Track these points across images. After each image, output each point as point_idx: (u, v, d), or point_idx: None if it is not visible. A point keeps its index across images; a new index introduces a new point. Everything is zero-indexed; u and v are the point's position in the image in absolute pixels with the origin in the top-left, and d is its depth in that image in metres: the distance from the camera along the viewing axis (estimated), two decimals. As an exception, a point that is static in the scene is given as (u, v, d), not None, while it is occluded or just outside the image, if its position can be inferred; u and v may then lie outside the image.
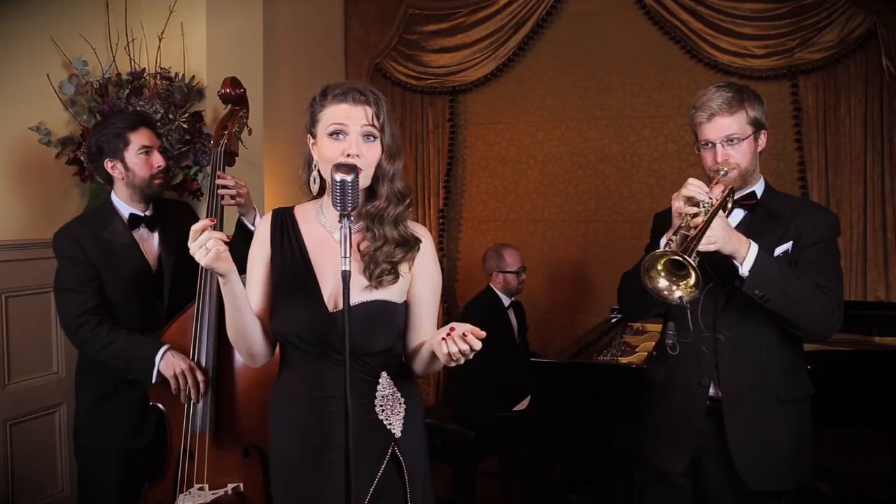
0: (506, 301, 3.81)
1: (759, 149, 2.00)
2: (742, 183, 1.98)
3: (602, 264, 4.44)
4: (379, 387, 1.65)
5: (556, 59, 4.47)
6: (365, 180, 1.59)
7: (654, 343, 3.12)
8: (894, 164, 3.74)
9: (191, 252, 1.45)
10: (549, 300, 4.56)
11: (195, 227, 1.44)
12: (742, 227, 1.95)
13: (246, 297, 1.60)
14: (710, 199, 1.80)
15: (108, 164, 2.42)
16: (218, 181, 2.43)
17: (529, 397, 3.15)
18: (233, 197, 2.43)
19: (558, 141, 4.53)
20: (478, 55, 4.53)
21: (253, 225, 2.51)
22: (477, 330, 1.42)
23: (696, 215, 1.78)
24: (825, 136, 3.86)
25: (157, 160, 2.44)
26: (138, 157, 2.40)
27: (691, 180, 1.83)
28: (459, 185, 4.81)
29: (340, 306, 1.55)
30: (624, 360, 2.96)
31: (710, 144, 1.97)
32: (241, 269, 1.59)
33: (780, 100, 3.95)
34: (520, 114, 4.61)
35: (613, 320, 3.75)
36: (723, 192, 1.86)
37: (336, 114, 1.60)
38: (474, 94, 4.68)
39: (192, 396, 2.24)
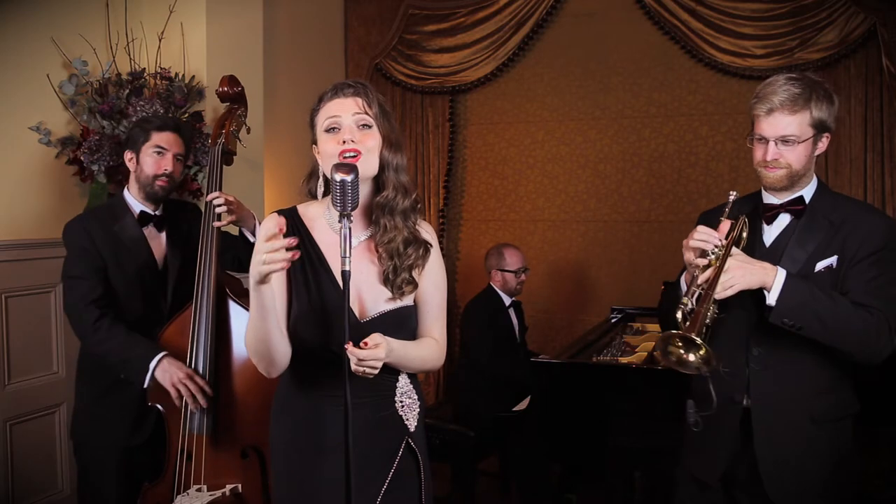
0: (506, 300, 3.81)
1: (818, 152, 1.86)
2: (788, 184, 1.85)
3: (602, 264, 4.45)
4: (399, 384, 1.69)
5: (556, 59, 4.47)
6: (369, 169, 1.60)
7: (653, 343, 3.12)
8: (894, 164, 3.74)
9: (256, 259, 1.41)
10: (549, 300, 4.56)
11: (274, 245, 1.40)
12: (788, 234, 1.86)
13: (274, 307, 1.54)
14: (720, 243, 1.71)
15: (127, 156, 2.47)
16: (214, 200, 2.37)
17: (529, 397, 3.16)
18: (230, 213, 2.38)
19: (558, 141, 4.53)
20: (478, 55, 4.53)
21: (253, 234, 2.48)
22: (373, 338, 1.50)
23: (706, 267, 1.68)
24: (825, 136, 3.85)
25: (167, 164, 2.43)
26: (150, 155, 2.43)
27: (699, 228, 1.73)
28: (459, 185, 4.81)
29: (367, 315, 1.62)
30: (624, 360, 2.96)
31: (763, 139, 1.83)
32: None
33: (781, 100, 3.95)
34: (520, 114, 4.61)
35: (613, 320, 3.75)
36: (731, 226, 1.75)
37: (329, 110, 1.63)
38: (474, 94, 4.68)
39: (201, 402, 2.22)
